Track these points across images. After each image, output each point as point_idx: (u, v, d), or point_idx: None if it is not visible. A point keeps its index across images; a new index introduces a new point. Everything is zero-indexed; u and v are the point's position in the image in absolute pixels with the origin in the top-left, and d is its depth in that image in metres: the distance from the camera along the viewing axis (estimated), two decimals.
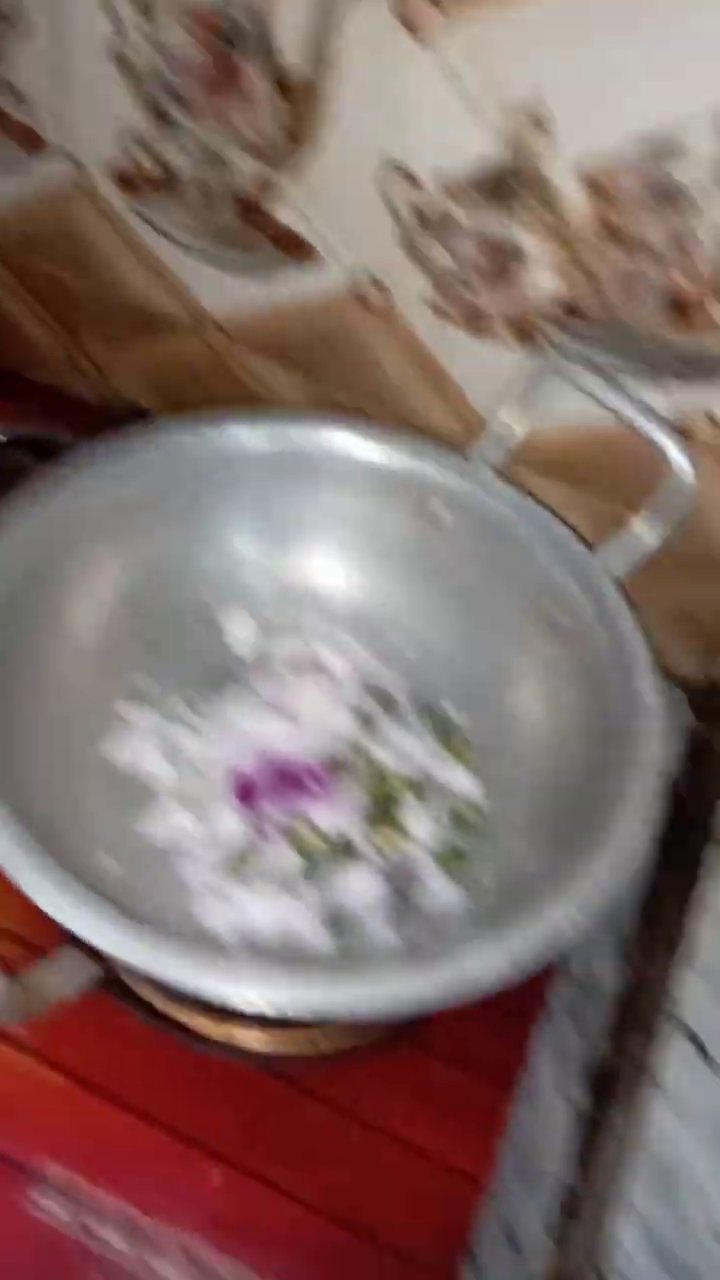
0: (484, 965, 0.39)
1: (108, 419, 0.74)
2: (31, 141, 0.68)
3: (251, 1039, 0.50)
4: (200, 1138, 0.49)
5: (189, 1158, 0.48)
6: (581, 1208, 0.52)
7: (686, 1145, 0.45)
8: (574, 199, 0.53)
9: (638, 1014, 0.55)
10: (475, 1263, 0.53)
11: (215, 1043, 0.50)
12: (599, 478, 0.64)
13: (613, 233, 0.54)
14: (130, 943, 0.37)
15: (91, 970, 0.37)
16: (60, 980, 0.36)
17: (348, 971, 0.38)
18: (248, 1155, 0.49)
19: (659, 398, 0.57)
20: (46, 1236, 0.46)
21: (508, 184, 0.54)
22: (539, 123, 0.52)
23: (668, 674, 0.59)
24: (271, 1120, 0.50)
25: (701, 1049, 0.47)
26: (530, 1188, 0.57)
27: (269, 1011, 0.37)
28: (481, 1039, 0.53)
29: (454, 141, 0.54)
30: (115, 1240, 0.46)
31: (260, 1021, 0.50)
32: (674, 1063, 0.47)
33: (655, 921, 0.60)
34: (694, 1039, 0.48)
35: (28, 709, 0.50)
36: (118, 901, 0.38)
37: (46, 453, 0.63)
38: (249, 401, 0.75)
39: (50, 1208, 0.46)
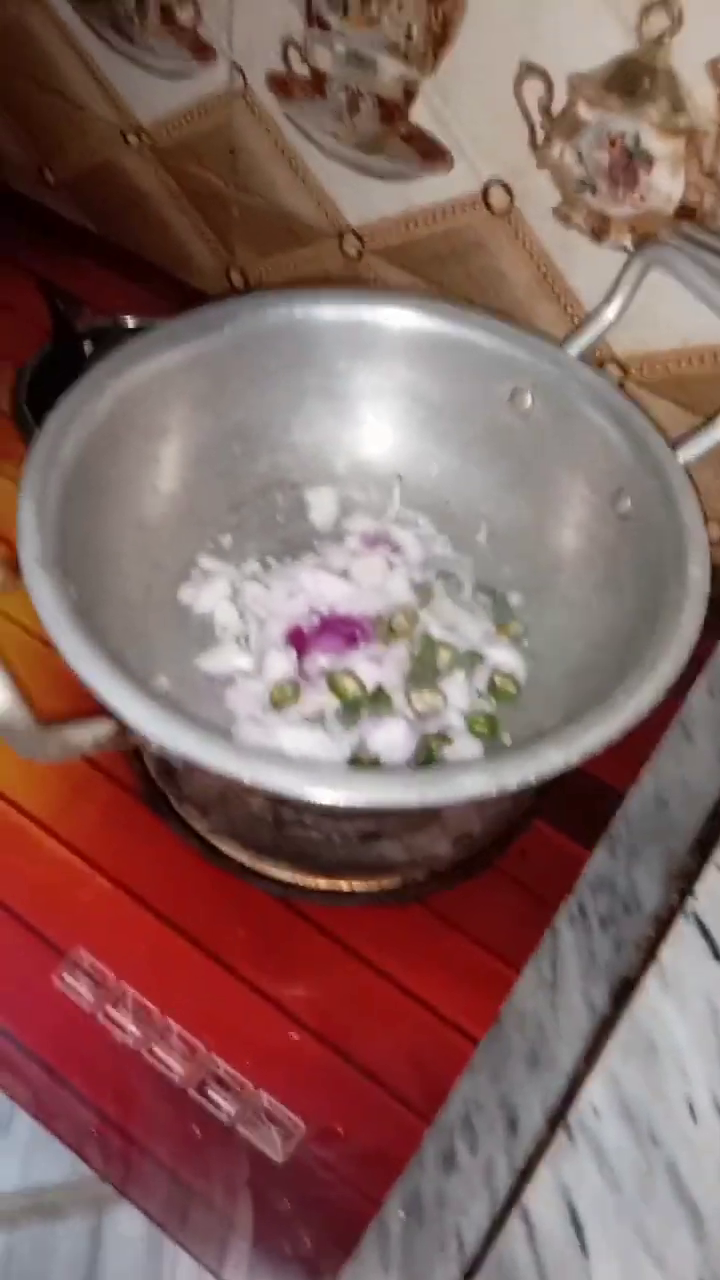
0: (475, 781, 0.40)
1: None
2: (202, 52, 0.73)
3: (277, 870, 0.53)
4: (215, 950, 0.52)
5: (203, 965, 0.51)
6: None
7: (673, 1020, 0.44)
8: (703, 97, 0.53)
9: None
10: (472, 1135, 0.54)
11: (244, 867, 0.53)
12: (715, 399, 0.63)
13: None
14: (155, 718, 0.39)
15: (114, 732, 0.40)
16: (84, 735, 0.39)
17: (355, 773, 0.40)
18: (256, 973, 0.51)
19: None
20: (68, 1011, 0.50)
21: (639, 81, 0.55)
22: (673, 16, 0.51)
23: None
24: (284, 946, 0.52)
25: (710, 942, 0.47)
26: (536, 1075, 0.58)
27: (269, 788, 0.38)
28: (500, 919, 0.54)
29: (587, 38, 0.55)
30: (127, 1024, 0.50)
31: (287, 856, 0.52)
32: (679, 948, 0.47)
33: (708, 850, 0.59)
34: (704, 931, 0.47)
35: (117, 544, 0.54)
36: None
37: None
38: None
39: (75, 987, 0.51)
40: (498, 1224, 0.45)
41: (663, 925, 0.51)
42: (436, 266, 0.71)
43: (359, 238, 0.74)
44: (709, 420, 0.54)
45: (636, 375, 0.66)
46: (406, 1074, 0.49)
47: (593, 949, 0.60)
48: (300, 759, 0.44)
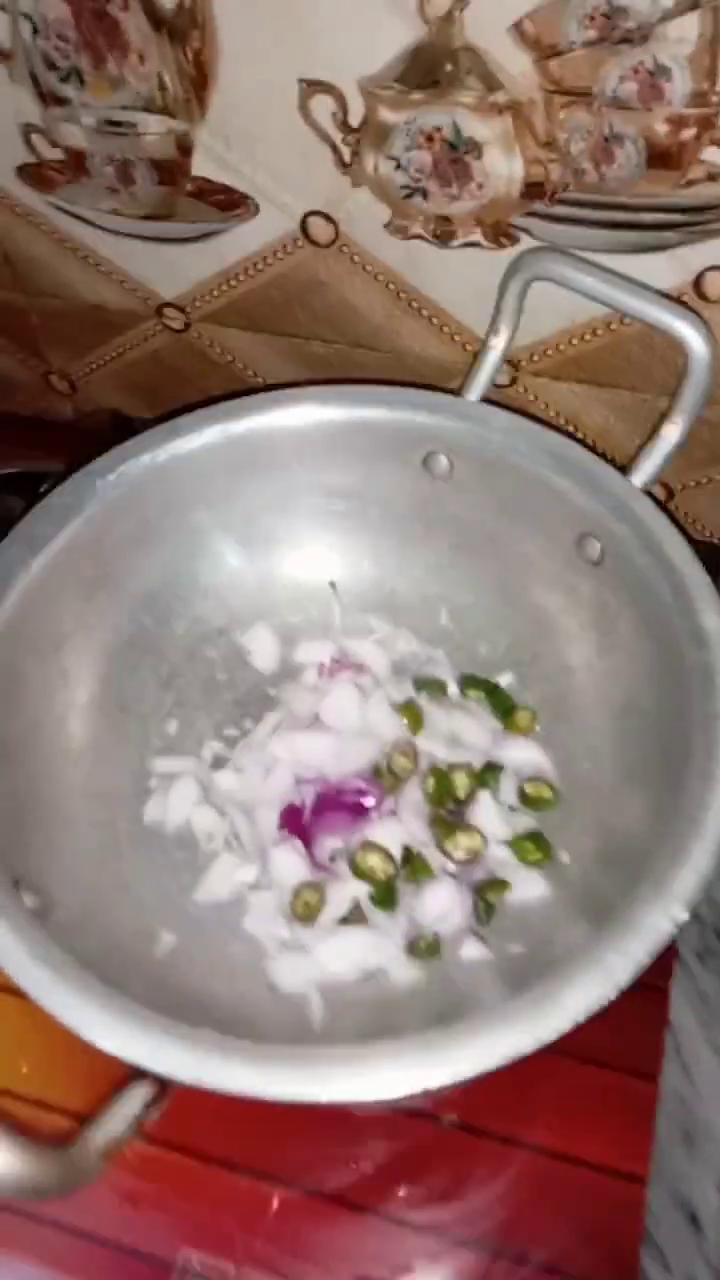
0: (589, 994, 0.34)
1: (91, 434, 0.70)
2: None
3: None
4: (332, 1192, 0.46)
5: (321, 1213, 0.45)
6: None
7: None
8: (518, 65, 0.47)
9: None
10: (653, 1246, 0.49)
11: None
12: (614, 369, 0.58)
13: (566, 91, 0.47)
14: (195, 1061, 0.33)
15: (154, 1095, 0.33)
16: (117, 1123, 0.32)
17: (443, 1038, 0.34)
18: (387, 1202, 0.46)
19: (662, 264, 0.51)
20: None
21: (439, 68, 0.48)
22: None
23: None
24: (403, 1159, 0.46)
25: None
26: (696, 1153, 0.53)
27: (369, 1102, 0.33)
28: (613, 1023, 0.48)
29: (365, 37, 0.48)
30: None
31: None
32: None
33: None
34: None
35: (53, 798, 0.46)
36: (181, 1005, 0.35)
37: (38, 488, 0.59)
38: (227, 379, 0.70)
39: None
40: None
41: None
42: (276, 316, 0.64)
43: (180, 309, 0.66)
44: (652, 433, 0.48)
45: (528, 367, 0.60)
46: (584, 1253, 0.44)
47: (701, 990, 0.56)
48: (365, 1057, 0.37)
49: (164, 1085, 0.33)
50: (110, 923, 0.44)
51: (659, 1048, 0.49)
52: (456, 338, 0.60)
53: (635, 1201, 0.46)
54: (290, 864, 0.46)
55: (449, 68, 0.48)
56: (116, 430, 0.75)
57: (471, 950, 0.44)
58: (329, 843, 0.47)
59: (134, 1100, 0.33)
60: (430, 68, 0.48)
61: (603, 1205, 0.46)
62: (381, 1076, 0.34)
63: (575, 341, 0.58)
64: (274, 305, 0.63)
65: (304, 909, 0.45)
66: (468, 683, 0.52)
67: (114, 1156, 0.32)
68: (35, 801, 0.45)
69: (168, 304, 0.66)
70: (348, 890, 0.46)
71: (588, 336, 0.57)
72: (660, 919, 0.35)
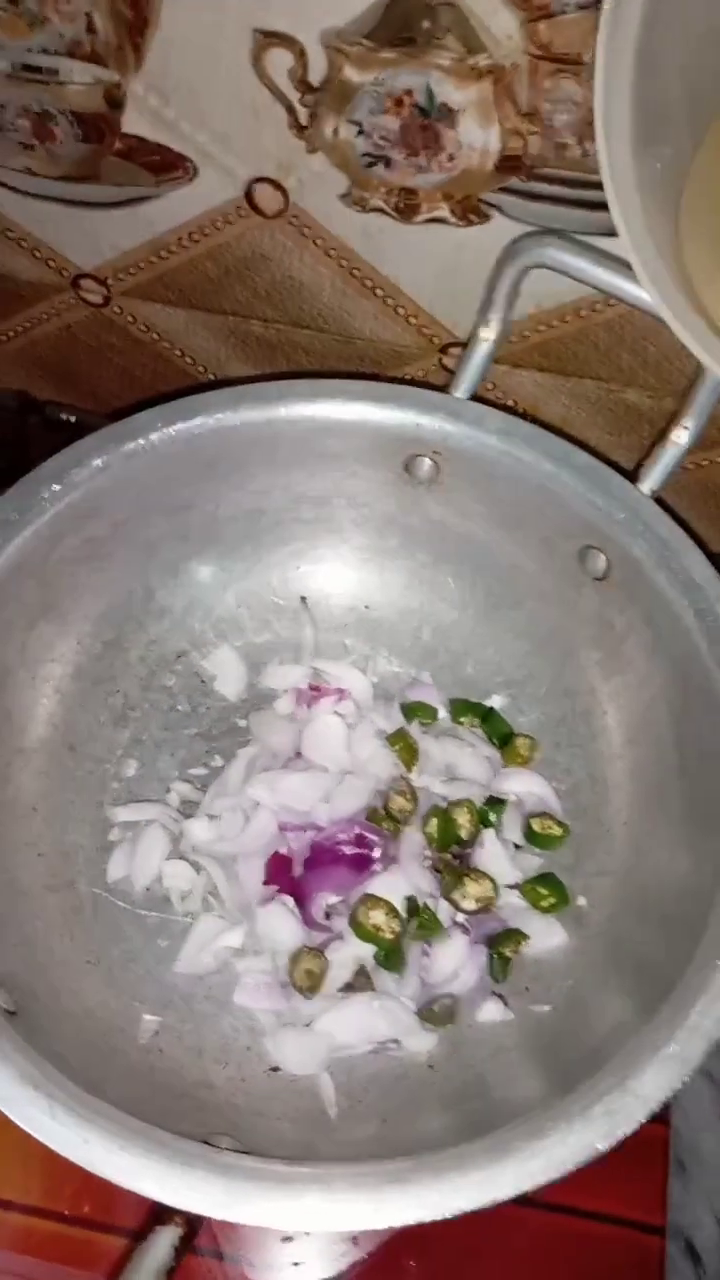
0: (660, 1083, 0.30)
1: None
2: None
3: None
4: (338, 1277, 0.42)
5: None
6: None
7: None
8: (502, 26, 0.42)
9: None
10: None
11: None
12: (580, 358, 0.54)
13: (554, 58, 0.43)
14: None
15: (182, 1235, 0.28)
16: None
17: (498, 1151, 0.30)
18: None
19: None
20: None
21: (415, 24, 0.43)
22: None
23: None
24: (408, 1232, 0.43)
25: None
26: (691, 1182, 0.52)
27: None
28: None
29: None
30: None
31: None
32: None
33: None
34: None
35: (3, 852, 0.40)
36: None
37: None
38: (151, 359, 0.63)
39: None
40: None
41: None
42: (210, 292, 0.58)
43: (99, 281, 0.60)
44: (660, 435, 0.44)
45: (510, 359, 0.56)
46: None
47: None
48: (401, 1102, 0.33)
49: (191, 1222, 0.28)
50: (83, 1008, 0.38)
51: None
52: (413, 320, 0.56)
53: (652, 1251, 0.44)
54: (281, 925, 0.41)
55: (426, 24, 0.43)
56: (22, 414, 0.68)
57: (491, 1012, 0.41)
58: (324, 900, 0.42)
59: (158, 1249, 0.27)
60: (405, 23, 0.43)
61: (619, 1260, 0.43)
62: (430, 1197, 0.30)
63: (542, 328, 0.54)
64: (209, 279, 0.57)
65: (306, 979, 0.40)
66: (459, 708, 0.47)
67: None
68: None
69: (85, 275, 0.59)
70: (350, 952, 0.41)
71: (555, 323, 0.53)
72: None
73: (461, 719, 0.47)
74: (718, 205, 0.39)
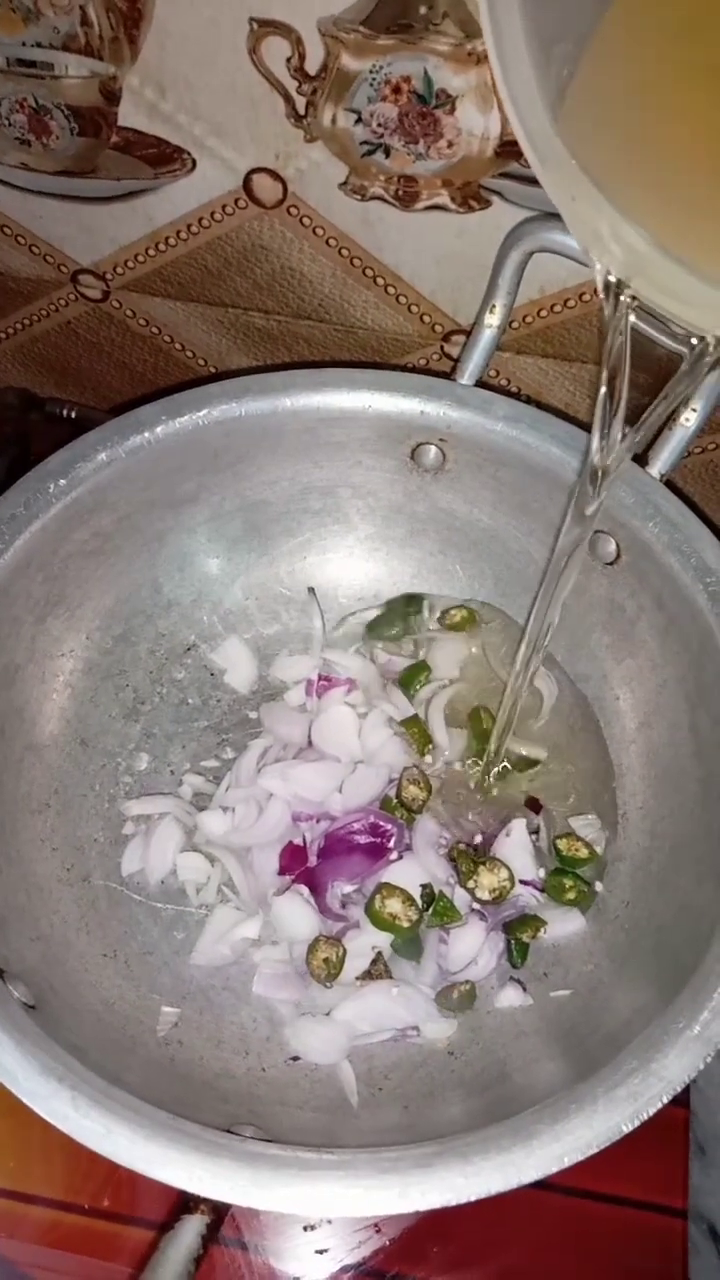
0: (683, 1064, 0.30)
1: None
2: None
3: None
4: (360, 1262, 0.42)
5: None
6: None
7: None
8: None
9: None
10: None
11: None
12: (583, 343, 0.54)
13: None
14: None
15: (210, 1222, 0.28)
16: (174, 1266, 0.27)
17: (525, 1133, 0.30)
18: (417, 1268, 0.42)
19: None
20: None
21: (413, 9, 0.43)
22: None
23: None
24: (430, 1219, 0.43)
25: None
26: (711, 1166, 0.52)
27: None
28: None
29: None
30: None
31: None
32: None
33: None
34: None
35: (18, 847, 0.40)
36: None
37: None
38: (152, 353, 0.63)
39: None
40: None
41: None
42: (210, 284, 0.58)
43: (98, 276, 0.59)
44: (668, 419, 0.44)
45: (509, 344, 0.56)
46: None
47: None
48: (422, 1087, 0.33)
49: (218, 1210, 0.28)
50: (102, 1001, 0.38)
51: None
52: (414, 308, 0.56)
53: (675, 1233, 0.44)
54: (297, 914, 0.41)
55: (423, 10, 0.43)
56: (24, 410, 0.68)
57: (510, 998, 0.41)
58: (340, 888, 0.42)
59: (185, 1238, 0.27)
60: (402, 9, 0.43)
61: (641, 1243, 0.43)
62: (455, 1181, 0.30)
63: (544, 313, 0.54)
64: (208, 272, 0.57)
65: (324, 968, 0.40)
66: None
67: None
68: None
69: (84, 270, 0.59)
70: (366, 940, 0.41)
71: (558, 308, 0.53)
72: None
73: None
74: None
